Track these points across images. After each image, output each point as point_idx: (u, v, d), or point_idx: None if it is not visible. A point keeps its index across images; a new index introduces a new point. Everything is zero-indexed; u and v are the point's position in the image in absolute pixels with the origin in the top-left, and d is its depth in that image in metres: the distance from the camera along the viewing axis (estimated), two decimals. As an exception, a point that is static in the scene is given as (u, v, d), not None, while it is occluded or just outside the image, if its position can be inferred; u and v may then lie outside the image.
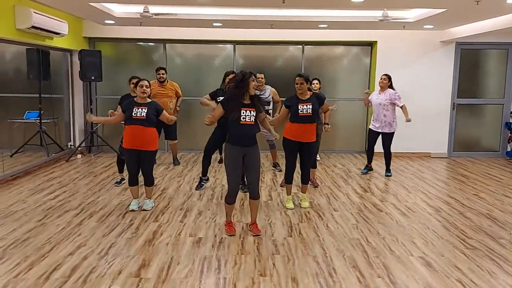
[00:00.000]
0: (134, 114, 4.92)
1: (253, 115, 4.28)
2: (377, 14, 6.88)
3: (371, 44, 9.20)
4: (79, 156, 8.44)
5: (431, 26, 7.92)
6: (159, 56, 9.14)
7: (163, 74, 7.51)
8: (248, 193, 4.73)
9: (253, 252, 4.02)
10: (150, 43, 9.18)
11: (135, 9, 6.87)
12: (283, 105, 5.29)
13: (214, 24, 7.85)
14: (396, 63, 8.89)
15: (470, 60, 9.06)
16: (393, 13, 6.96)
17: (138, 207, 5.19)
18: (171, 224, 4.73)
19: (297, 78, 5.16)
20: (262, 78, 7.08)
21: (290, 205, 5.39)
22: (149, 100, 5.11)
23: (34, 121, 8.10)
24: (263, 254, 3.98)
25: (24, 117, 8.34)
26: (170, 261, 3.79)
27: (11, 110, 8.48)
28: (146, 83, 5.03)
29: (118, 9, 7.01)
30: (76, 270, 3.59)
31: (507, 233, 4.55)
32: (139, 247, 4.10)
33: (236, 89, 4.27)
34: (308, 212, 5.25)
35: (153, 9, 6.78)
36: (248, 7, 7.02)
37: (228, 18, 7.46)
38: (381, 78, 7.04)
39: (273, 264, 3.76)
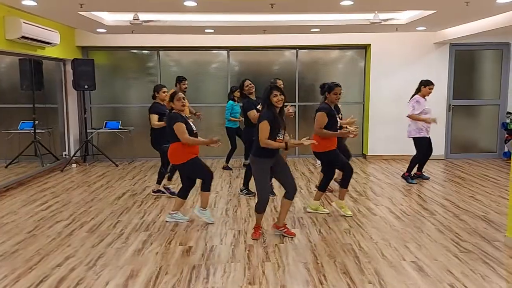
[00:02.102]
0: (194, 128, 4.90)
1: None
2: (368, 17, 6.85)
3: (365, 47, 9.18)
4: (74, 165, 8.42)
5: (424, 28, 7.89)
6: (153, 63, 9.13)
7: (187, 84, 7.02)
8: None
9: (243, 260, 3.96)
10: (144, 51, 9.17)
11: (126, 17, 6.87)
12: (323, 114, 5.06)
13: (206, 30, 7.84)
14: (390, 65, 8.87)
15: (464, 61, 9.03)
16: (384, 16, 6.94)
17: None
18: (162, 233, 4.68)
19: (338, 87, 5.11)
20: (281, 84, 6.43)
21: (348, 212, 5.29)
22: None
23: (28, 131, 8.09)
24: (253, 261, 3.93)
25: (18, 128, 8.34)
26: (158, 271, 3.74)
27: (5, 121, 8.49)
28: (182, 95, 4.88)
29: (109, 18, 7.00)
30: (63, 282, 3.54)
31: (502, 235, 4.48)
32: (128, 257, 4.06)
33: (268, 107, 4.23)
34: (301, 217, 5.20)
35: (143, 16, 6.76)
36: (237, 13, 7.01)
37: (220, 24, 7.45)
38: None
39: (263, 272, 3.71)
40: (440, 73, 8.87)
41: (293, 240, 4.45)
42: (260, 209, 4.44)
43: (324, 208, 5.43)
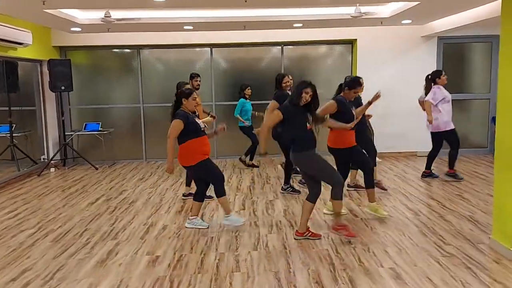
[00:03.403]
0: (203, 126, 4.63)
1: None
2: (351, 10, 6.60)
3: (352, 42, 8.93)
4: (52, 169, 8.16)
5: (410, 21, 7.65)
6: (134, 62, 8.87)
7: (200, 81, 6.72)
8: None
9: (212, 270, 3.72)
10: (124, 50, 8.91)
11: (99, 15, 6.59)
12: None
13: (185, 27, 7.58)
14: (377, 60, 8.63)
15: (453, 55, 8.80)
16: (367, 9, 6.69)
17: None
18: (130, 241, 4.44)
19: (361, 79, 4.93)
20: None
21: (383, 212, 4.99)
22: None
23: (4, 135, 7.83)
24: (222, 272, 3.69)
25: (-7, 132, 8.08)
26: (119, 284, 3.50)
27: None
28: (195, 94, 4.64)
29: (81, 16, 6.73)
30: (14, 299, 3.30)
31: (487, 237, 4.25)
32: (89, 269, 3.81)
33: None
34: (279, 221, 4.96)
35: (118, 14, 6.51)
36: (210, 8, 6.75)
37: (198, 20, 7.19)
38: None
39: (230, 284, 3.47)
40: (428, 67, 8.53)
41: (268, 247, 4.21)
42: (339, 194, 4.18)
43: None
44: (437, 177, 6.81)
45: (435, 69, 8.62)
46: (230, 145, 8.83)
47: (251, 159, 7.95)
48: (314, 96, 4.14)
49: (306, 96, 4.09)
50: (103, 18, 5.98)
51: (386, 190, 6.10)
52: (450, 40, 8.64)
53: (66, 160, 8.61)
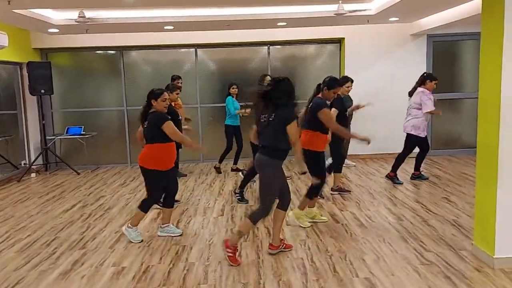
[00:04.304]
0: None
1: None
2: (334, 8, 6.42)
3: (340, 41, 8.75)
4: (33, 175, 7.98)
5: (397, 19, 7.45)
6: (118, 64, 8.68)
7: (181, 82, 6.93)
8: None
9: (178, 283, 3.54)
10: (108, 51, 8.73)
11: (74, 15, 6.39)
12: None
13: (166, 27, 7.40)
14: (366, 59, 8.45)
15: (443, 53, 8.62)
16: (351, 7, 6.51)
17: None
18: (98, 251, 4.25)
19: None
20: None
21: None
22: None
23: (-16, 140, 7.66)
24: (188, 284, 3.51)
25: (-28, 137, 7.90)
26: (78, 299, 3.32)
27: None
28: (167, 95, 4.41)
29: (56, 16, 6.54)
30: (-36, 316, 3.12)
31: (470, 243, 4.06)
32: (50, 281, 3.63)
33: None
34: (257, 228, 4.76)
35: (92, 14, 6.32)
36: (188, 7, 6.57)
37: (179, 20, 7.00)
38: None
39: (194, 297, 3.29)
40: (418, 66, 8.41)
41: (240, 256, 4.02)
42: (257, 219, 3.86)
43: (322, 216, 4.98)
44: (426, 179, 6.62)
45: (425, 68, 8.52)
46: (217, 149, 8.62)
47: (235, 163, 7.73)
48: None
49: None
50: (77, 18, 5.79)
51: (349, 192, 6.02)
52: (439, 38, 8.47)
53: (49, 165, 8.42)
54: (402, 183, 6.46)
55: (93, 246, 4.40)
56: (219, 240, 4.43)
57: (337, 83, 4.75)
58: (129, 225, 4.49)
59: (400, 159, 6.54)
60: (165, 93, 4.39)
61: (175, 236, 4.55)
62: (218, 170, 7.73)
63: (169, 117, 4.30)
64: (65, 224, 5.13)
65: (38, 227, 5.03)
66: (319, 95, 4.69)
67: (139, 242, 4.40)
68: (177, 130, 4.32)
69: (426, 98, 6.19)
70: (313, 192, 4.72)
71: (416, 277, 3.48)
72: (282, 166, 3.90)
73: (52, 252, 4.26)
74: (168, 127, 4.21)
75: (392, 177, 6.55)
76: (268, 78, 5.80)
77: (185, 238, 4.53)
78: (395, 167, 6.55)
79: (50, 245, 4.45)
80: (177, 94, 5.86)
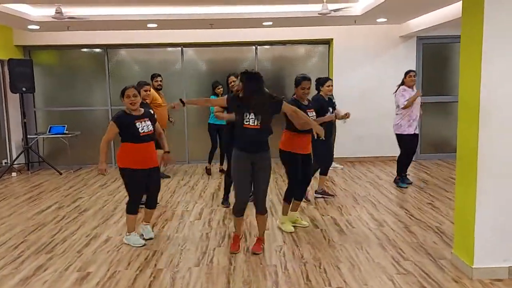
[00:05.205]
0: (143, 130, 4.14)
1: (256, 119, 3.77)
2: (319, 8, 6.28)
3: (328, 42, 8.61)
4: (14, 174, 7.81)
5: (385, 20, 7.33)
6: (103, 63, 8.52)
7: (160, 81, 6.84)
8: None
9: (142, 290, 3.39)
10: (93, 50, 8.57)
11: (53, 12, 6.23)
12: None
13: (149, 25, 7.24)
14: (354, 61, 8.32)
15: (433, 55, 8.50)
16: (337, 6, 6.37)
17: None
18: (65, 255, 4.09)
19: (305, 81, 4.39)
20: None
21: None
22: (141, 109, 4.29)
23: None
24: (153, 292, 3.36)
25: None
26: (35, 307, 3.16)
27: None
28: (134, 91, 4.17)
29: (35, 13, 6.38)
30: None
31: (450, 251, 3.91)
32: (10, 287, 3.47)
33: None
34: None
35: (72, 11, 6.17)
36: (162, 5, 6.44)
37: (162, 18, 6.85)
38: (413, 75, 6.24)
39: (157, 306, 3.14)
40: (407, 68, 8.15)
41: (212, 262, 3.87)
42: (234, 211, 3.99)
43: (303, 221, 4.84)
44: (407, 185, 6.43)
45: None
46: (202, 150, 8.47)
47: (221, 163, 7.58)
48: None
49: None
50: (53, 15, 5.63)
51: (333, 196, 5.92)
52: (430, 40, 8.34)
53: (31, 165, 8.25)
54: (406, 187, 6.30)
55: (60, 250, 4.24)
56: (192, 245, 4.28)
57: (302, 79, 4.44)
58: (126, 233, 4.37)
59: (399, 161, 6.38)
60: (129, 89, 4.18)
61: (136, 246, 4.29)
62: (208, 172, 7.58)
63: (117, 119, 4.10)
64: (36, 226, 4.96)
65: (8, 229, 4.87)
66: (294, 96, 4.57)
67: (142, 246, 4.25)
68: (106, 135, 4.16)
69: (400, 95, 6.12)
70: (291, 196, 4.58)
71: (390, 287, 3.33)
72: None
73: (17, 256, 4.10)
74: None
75: (397, 181, 6.42)
76: (233, 78, 5.54)
77: (157, 243, 4.37)
78: (398, 170, 6.40)
79: (18, 248, 4.29)
80: (146, 91, 5.45)
